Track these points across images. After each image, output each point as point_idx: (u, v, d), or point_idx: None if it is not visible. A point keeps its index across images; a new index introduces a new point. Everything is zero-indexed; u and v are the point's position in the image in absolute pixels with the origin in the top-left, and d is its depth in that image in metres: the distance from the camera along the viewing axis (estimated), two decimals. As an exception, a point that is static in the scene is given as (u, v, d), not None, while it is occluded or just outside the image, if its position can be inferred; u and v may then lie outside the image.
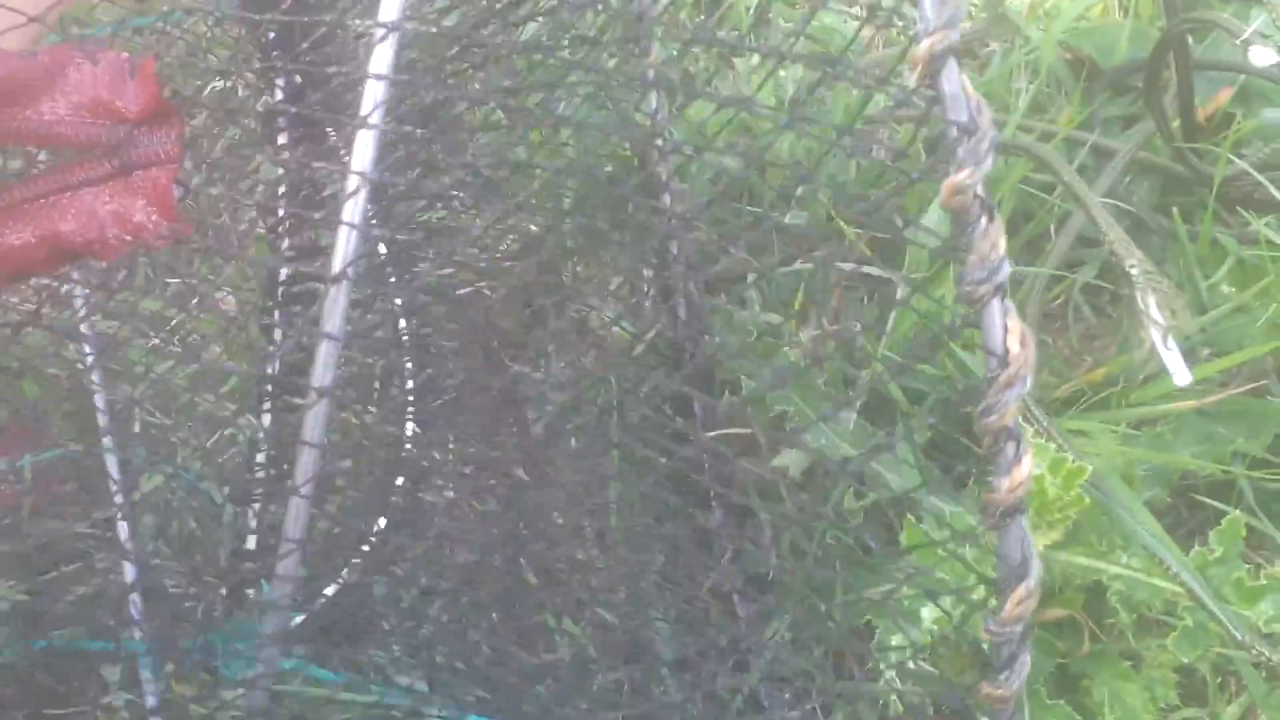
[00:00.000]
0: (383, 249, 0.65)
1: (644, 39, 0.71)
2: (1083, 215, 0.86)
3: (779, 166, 0.90)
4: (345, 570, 0.58)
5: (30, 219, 0.41)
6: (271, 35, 0.56)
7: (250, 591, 0.58)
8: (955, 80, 0.33)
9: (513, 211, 0.72)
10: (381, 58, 0.43)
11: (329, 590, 0.57)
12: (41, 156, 0.45)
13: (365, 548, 0.59)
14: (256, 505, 0.60)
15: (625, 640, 0.62)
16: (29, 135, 0.41)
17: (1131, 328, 0.76)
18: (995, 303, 0.33)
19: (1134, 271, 0.74)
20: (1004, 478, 0.33)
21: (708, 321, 0.78)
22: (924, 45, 0.32)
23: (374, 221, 0.61)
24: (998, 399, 0.33)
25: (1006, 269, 0.32)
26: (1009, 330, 0.33)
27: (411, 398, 0.63)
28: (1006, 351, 0.33)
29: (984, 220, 0.33)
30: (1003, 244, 0.32)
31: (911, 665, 0.68)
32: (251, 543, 0.60)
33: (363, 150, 0.43)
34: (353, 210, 0.43)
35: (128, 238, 0.41)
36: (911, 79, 0.33)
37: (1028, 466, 0.33)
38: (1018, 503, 0.33)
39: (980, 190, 0.32)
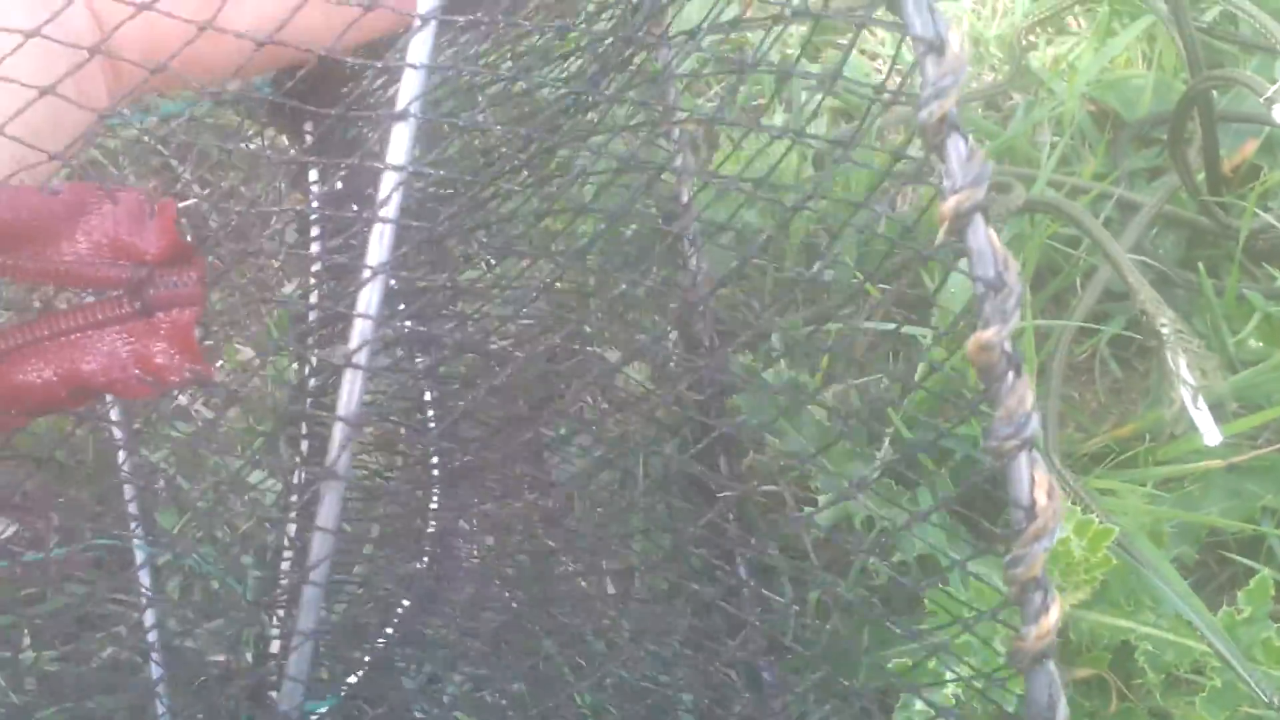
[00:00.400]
0: (407, 324, 0.65)
1: (668, 94, 0.72)
2: (1108, 269, 0.86)
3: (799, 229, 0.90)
4: (368, 657, 0.58)
5: (52, 357, 0.41)
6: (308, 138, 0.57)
7: (273, 694, 0.58)
8: (982, 236, 0.33)
9: (540, 290, 0.72)
10: (392, 203, 0.43)
11: (351, 679, 0.57)
12: (65, 294, 0.45)
13: (389, 629, 0.59)
14: (281, 611, 0.60)
15: (648, 705, 0.62)
16: (50, 274, 0.41)
17: (1161, 386, 0.76)
18: (1023, 456, 0.33)
19: (1165, 331, 0.74)
20: (1031, 626, 0.33)
21: (730, 379, 0.78)
22: (950, 203, 0.33)
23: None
24: (1025, 551, 0.33)
25: (1035, 423, 0.33)
26: (1036, 483, 0.33)
27: (436, 470, 0.63)
28: (1034, 504, 0.33)
29: (1011, 375, 0.33)
30: (1030, 399, 0.33)
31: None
32: (275, 646, 0.60)
33: (369, 296, 0.43)
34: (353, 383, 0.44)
35: (150, 379, 0.41)
36: (940, 234, 0.33)
37: (1055, 615, 0.33)
38: (1046, 649, 0.33)
39: (1008, 346, 0.32)
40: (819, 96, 1.04)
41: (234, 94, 0.58)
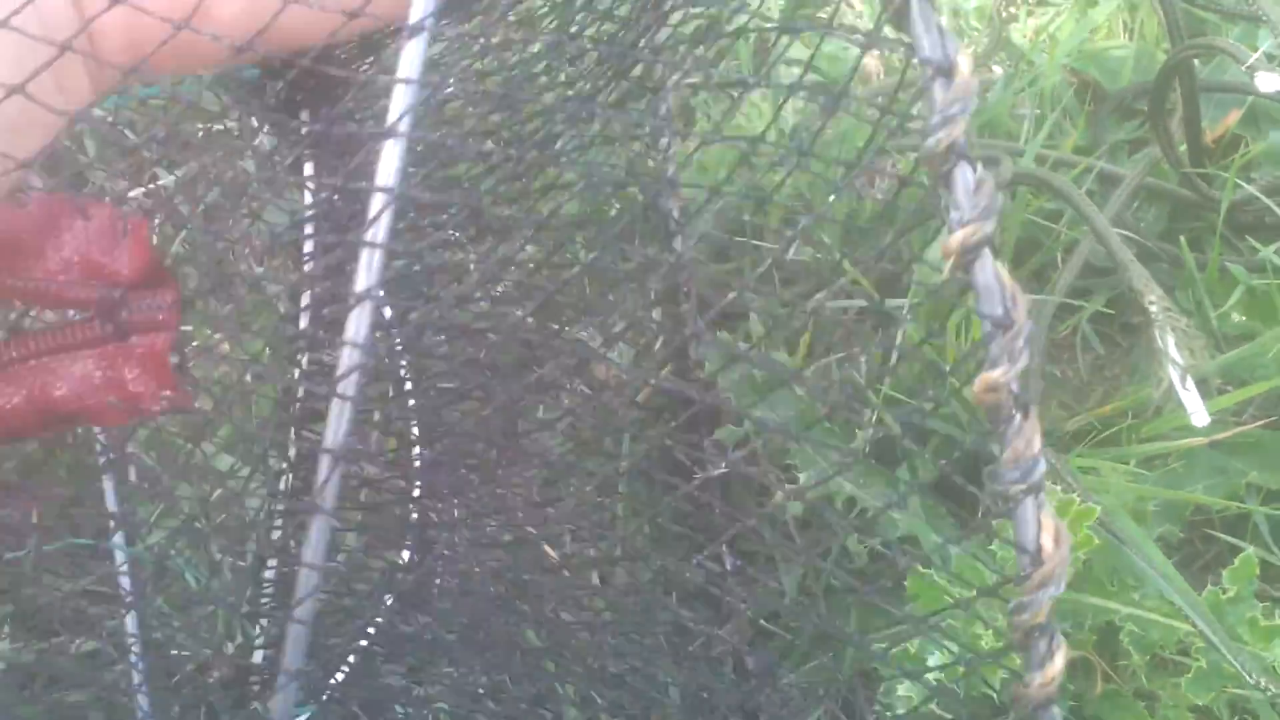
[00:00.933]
0: (387, 312, 0.63)
1: (658, 79, 0.70)
2: (1089, 243, 0.85)
3: (780, 203, 0.89)
4: (352, 657, 0.57)
5: (20, 381, 0.39)
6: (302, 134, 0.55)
7: (255, 704, 0.57)
8: (990, 271, 0.31)
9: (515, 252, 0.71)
10: (381, 226, 0.40)
11: (334, 679, 0.56)
12: (33, 314, 0.43)
13: (372, 628, 0.58)
14: (264, 621, 0.59)
15: (635, 695, 0.62)
16: (18, 292, 0.39)
17: (1146, 363, 0.75)
18: (1029, 501, 0.32)
19: (1152, 309, 0.73)
20: (1036, 673, 0.32)
21: (707, 357, 0.78)
22: (958, 236, 0.31)
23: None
24: (1032, 598, 0.32)
25: (1042, 466, 0.31)
26: (1043, 528, 0.32)
27: (418, 464, 0.62)
28: (1040, 549, 0.32)
29: (1018, 417, 0.31)
30: (1037, 442, 0.31)
31: (921, 709, 0.67)
32: (258, 656, 0.59)
33: (368, 270, 0.41)
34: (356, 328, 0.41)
35: (124, 406, 0.40)
36: (945, 269, 0.32)
37: (1060, 662, 0.32)
38: (1051, 696, 0.32)
39: (1015, 387, 0.31)
40: (800, 72, 1.03)
41: (219, 77, 0.56)
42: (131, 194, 0.84)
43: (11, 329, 0.42)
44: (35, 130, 0.41)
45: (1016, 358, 0.31)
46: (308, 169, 0.60)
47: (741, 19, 0.50)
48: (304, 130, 0.57)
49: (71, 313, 0.42)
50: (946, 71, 0.32)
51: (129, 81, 0.44)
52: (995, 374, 0.31)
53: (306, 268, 0.62)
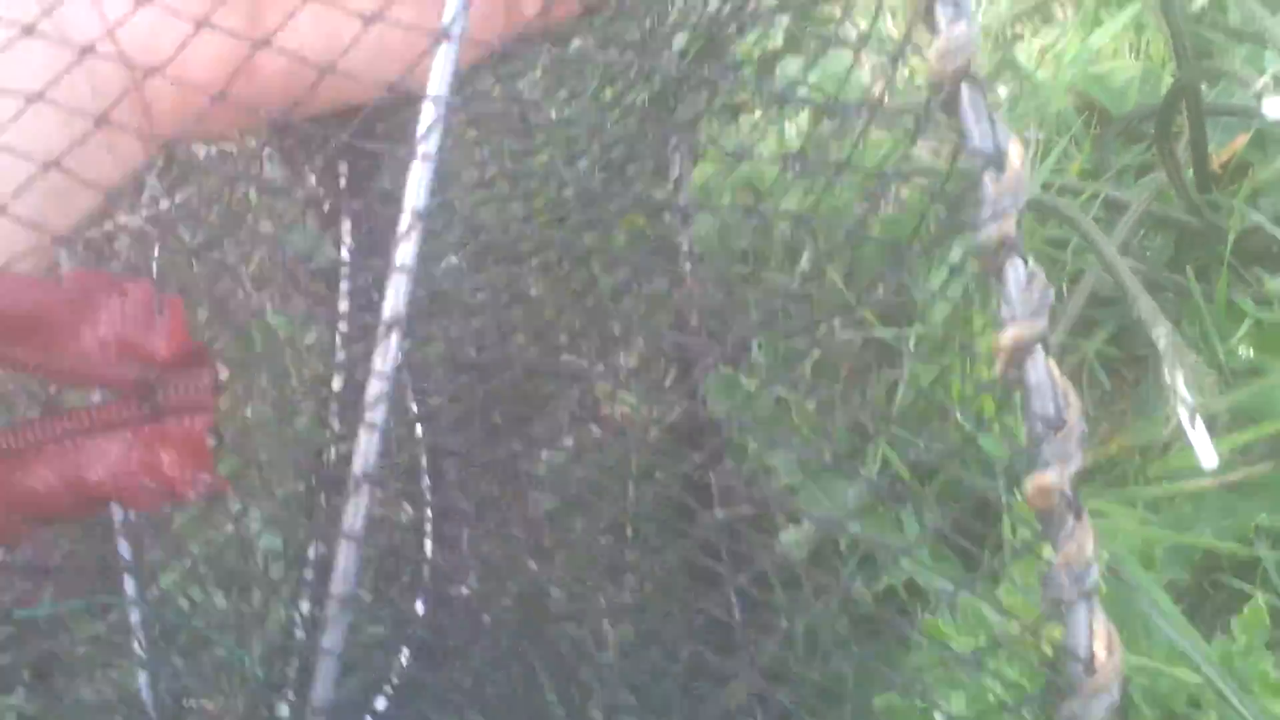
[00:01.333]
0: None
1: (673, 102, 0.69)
2: (1095, 275, 0.84)
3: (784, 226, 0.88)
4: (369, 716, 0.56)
5: (54, 462, 0.38)
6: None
7: None
8: (1042, 370, 0.31)
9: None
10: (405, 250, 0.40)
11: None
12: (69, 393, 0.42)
13: (389, 687, 0.57)
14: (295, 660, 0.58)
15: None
16: (53, 371, 0.38)
17: (1155, 400, 0.75)
18: (1082, 605, 0.31)
19: (1161, 344, 0.73)
20: None
21: (708, 390, 0.77)
22: (1010, 334, 0.31)
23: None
24: (1084, 707, 0.31)
25: (1095, 572, 0.31)
26: (1096, 635, 0.31)
27: (430, 512, 0.61)
28: (1093, 658, 0.31)
29: (1071, 520, 0.31)
30: (1090, 545, 0.31)
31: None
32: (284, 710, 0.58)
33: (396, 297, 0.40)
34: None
35: (158, 490, 0.39)
36: (997, 366, 0.31)
37: None
38: None
39: (1068, 490, 0.30)
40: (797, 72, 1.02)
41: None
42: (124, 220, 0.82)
43: (46, 408, 0.41)
44: (81, 196, 0.40)
45: (1069, 459, 0.31)
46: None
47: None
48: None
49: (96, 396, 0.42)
50: (997, 162, 0.31)
51: (180, 140, 0.43)
52: (1047, 477, 0.31)
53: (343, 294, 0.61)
